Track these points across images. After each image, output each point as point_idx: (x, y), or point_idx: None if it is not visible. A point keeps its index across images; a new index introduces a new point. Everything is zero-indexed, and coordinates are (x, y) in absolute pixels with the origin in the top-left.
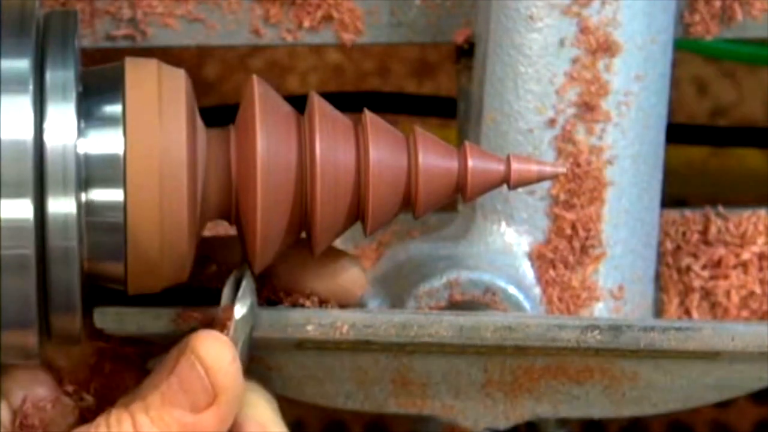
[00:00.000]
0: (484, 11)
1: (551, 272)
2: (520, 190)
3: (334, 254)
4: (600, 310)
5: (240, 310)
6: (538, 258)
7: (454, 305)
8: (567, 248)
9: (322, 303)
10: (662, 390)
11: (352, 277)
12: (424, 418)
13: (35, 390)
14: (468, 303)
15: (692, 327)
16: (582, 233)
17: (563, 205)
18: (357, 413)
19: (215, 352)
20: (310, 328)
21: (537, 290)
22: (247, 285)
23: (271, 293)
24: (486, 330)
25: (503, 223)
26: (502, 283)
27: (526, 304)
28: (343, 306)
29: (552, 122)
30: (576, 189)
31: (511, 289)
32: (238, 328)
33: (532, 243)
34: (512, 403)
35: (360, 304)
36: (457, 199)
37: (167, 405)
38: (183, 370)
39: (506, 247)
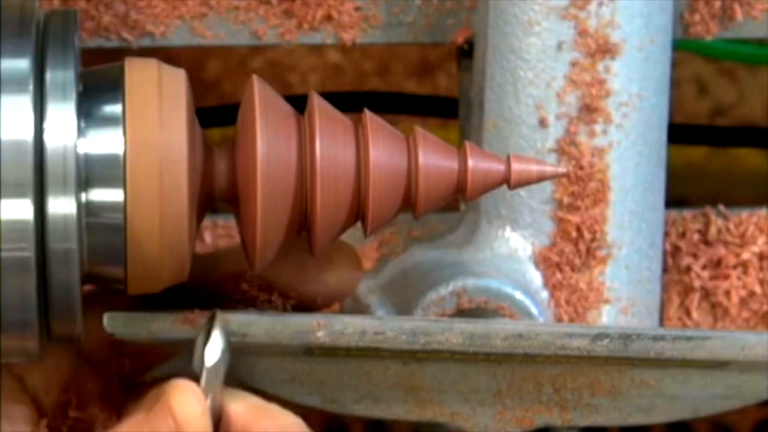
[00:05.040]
0: (481, 16)
1: (558, 275)
2: (523, 194)
3: (331, 255)
4: (608, 311)
5: (211, 359)
6: (544, 262)
7: (461, 313)
8: (573, 251)
9: (303, 303)
10: (671, 399)
11: (344, 283)
12: (431, 424)
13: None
14: (476, 310)
15: (702, 336)
16: (587, 235)
17: (567, 208)
18: None
19: (186, 405)
20: (320, 334)
21: (544, 294)
22: (218, 332)
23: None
24: (496, 338)
25: (508, 228)
26: (509, 289)
27: (534, 309)
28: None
29: (553, 126)
30: (580, 191)
31: (519, 295)
32: (210, 376)
33: (538, 247)
34: (522, 411)
35: (365, 310)
36: (459, 200)
37: None
38: (155, 418)
39: (512, 252)
